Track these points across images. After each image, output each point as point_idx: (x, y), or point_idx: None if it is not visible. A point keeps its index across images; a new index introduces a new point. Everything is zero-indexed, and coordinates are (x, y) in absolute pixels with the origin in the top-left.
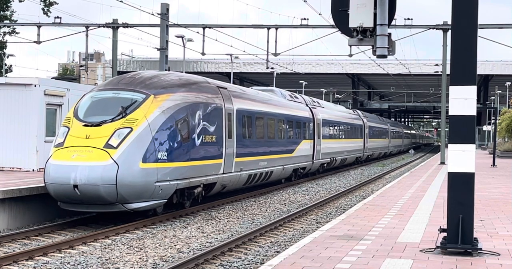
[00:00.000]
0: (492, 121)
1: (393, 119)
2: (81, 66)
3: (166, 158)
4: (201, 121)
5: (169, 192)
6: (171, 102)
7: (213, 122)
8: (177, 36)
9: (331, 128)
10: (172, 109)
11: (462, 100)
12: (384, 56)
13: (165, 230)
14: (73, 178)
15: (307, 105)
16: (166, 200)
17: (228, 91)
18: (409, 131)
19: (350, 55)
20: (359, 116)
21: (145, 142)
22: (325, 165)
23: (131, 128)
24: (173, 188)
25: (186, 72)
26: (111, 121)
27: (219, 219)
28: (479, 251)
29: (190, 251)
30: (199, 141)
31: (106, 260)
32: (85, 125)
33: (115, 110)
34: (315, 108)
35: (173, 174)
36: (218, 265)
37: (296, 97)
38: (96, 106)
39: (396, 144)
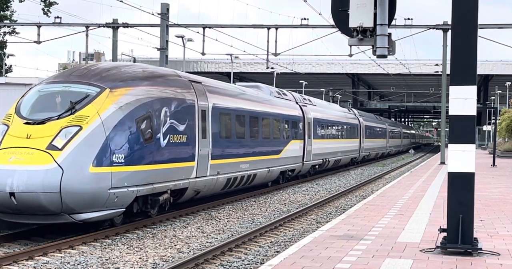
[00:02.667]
0: (492, 121)
1: (392, 119)
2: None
3: (122, 161)
4: (168, 119)
5: (128, 200)
6: (131, 97)
7: (183, 120)
8: (177, 36)
9: (323, 127)
10: (131, 105)
11: (462, 100)
12: (384, 56)
13: (165, 230)
14: (9, 184)
15: (297, 102)
16: (124, 209)
17: (202, 86)
18: (408, 131)
19: (350, 55)
20: (355, 115)
21: (97, 143)
22: (317, 166)
23: (80, 126)
24: (132, 195)
25: (186, 72)
26: (57, 119)
27: (219, 219)
28: (479, 251)
29: (190, 251)
30: (165, 141)
31: (106, 260)
32: (26, 123)
33: (64, 105)
34: (306, 106)
35: (132, 179)
36: (218, 265)
37: (285, 94)
38: (42, 101)
39: (395, 144)
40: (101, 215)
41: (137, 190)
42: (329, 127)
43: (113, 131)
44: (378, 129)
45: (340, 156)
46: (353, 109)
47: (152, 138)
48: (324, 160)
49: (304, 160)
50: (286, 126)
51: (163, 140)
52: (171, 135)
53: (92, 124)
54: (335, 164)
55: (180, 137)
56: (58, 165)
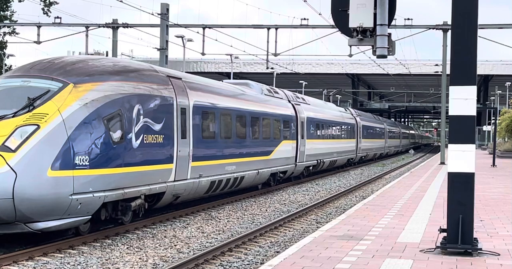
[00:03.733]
0: (492, 121)
1: (392, 119)
2: None
3: (87, 163)
4: (142, 117)
5: (94, 207)
6: (98, 93)
7: (159, 119)
8: (177, 36)
9: (318, 127)
10: (98, 102)
11: (462, 100)
12: (384, 56)
13: (165, 230)
14: None
15: (289, 101)
16: (89, 217)
17: (182, 82)
18: (407, 131)
19: (350, 55)
20: (352, 114)
21: (57, 144)
22: (311, 168)
23: (37, 125)
24: (98, 202)
25: (186, 72)
26: (13, 117)
27: (219, 219)
28: (479, 251)
29: (190, 251)
30: (138, 142)
31: (106, 260)
32: None
33: (21, 102)
34: (299, 104)
35: (98, 183)
36: (218, 265)
37: (276, 92)
38: None
39: (394, 144)
40: (62, 223)
41: (104, 196)
42: (324, 127)
43: (76, 130)
44: (376, 129)
45: (336, 157)
46: (350, 108)
47: (123, 138)
48: (319, 161)
49: (297, 161)
50: (277, 125)
51: (136, 140)
52: (145, 135)
53: (51, 123)
54: (330, 165)
55: (156, 137)
56: (11, 168)
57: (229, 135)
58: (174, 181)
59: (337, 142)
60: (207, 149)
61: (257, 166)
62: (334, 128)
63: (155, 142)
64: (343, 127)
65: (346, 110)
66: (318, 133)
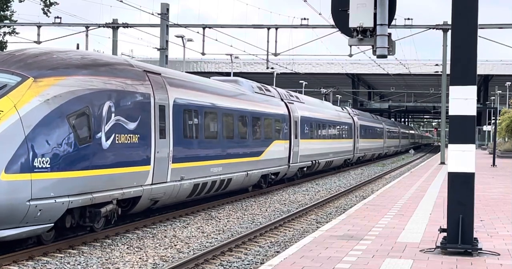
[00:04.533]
0: (492, 121)
1: (393, 119)
2: None
3: (48, 166)
4: (113, 115)
5: (56, 213)
6: (62, 88)
7: (134, 117)
8: (177, 36)
9: (312, 126)
10: (62, 98)
11: (462, 100)
12: (384, 56)
13: (165, 230)
14: None
15: (282, 99)
16: (52, 224)
17: (162, 78)
18: (407, 131)
19: (350, 55)
20: (349, 114)
21: (12, 144)
22: (305, 169)
23: None
24: (62, 208)
25: (186, 72)
26: None
27: (219, 219)
28: (479, 251)
29: (190, 251)
30: (109, 142)
31: (106, 260)
32: None
33: None
34: (292, 103)
35: (61, 188)
36: (218, 265)
37: (268, 90)
38: None
39: (392, 144)
40: (20, 232)
41: (69, 201)
42: (320, 126)
43: (35, 129)
44: (374, 129)
45: (332, 158)
46: (347, 107)
47: (91, 138)
48: (314, 162)
49: (291, 162)
50: (269, 124)
51: (106, 140)
52: (117, 135)
53: (6, 121)
54: (326, 166)
55: (130, 137)
56: None
57: (214, 135)
58: (152, 184)
59: (333, 142)
60: (190, 149)
61: (246, 168)
62: (330, 127)
63: (129, 142)
64: (339, 126)
65: (343, 109)
66: (313, 133)
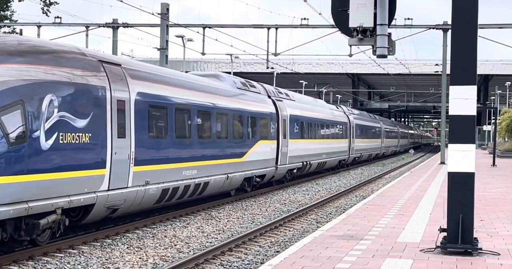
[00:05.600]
0: (492, 121)
1: (392, 119)
2: None
3: None
4: (56, 110)
5: None
6: None
7: (83, 113)
8: (177, 36)
9: (303, 125)
10: None
11: (462, 100)
12: (384, 56)
13: (165, 230)
14: None
15: (269, 96)
16: None
17: (122, 69)
18: (406, 130)
19: (350, 55)
20: (344, 112)
21: None
22: (295, 171)
23: None
24: None
25: (186, 72)
26: None
27: (219, 219)
28: (479, 251)
29: (190, 251)
30: (51, 142)
31: (106, 260)
32: None
33: None
34: (281, 100)
35: None
36: (218, 265)
37: (253, 86)
38: None
39: (391, 144)
40: None
41: None
42: (311, 126)
43: None
44: (371, 128)
45: (325, 158)
46: (342, 106)
47: (25, 137)
48: (305, 163)
49: (279, 163)
50: (253, 123)
51: (46, 140)
52: (61, 134)
53: None
54: (319, 168)
55: (79, 136)
56: None
57: (187, 134)
58: (108, 190)
59: (327, 142)
60: (157, 150)
61: (226, 170)
62: (323, 127)
63: (77, 142)
64: (333, 126)
65: (337, 108)
66: (304, 132)
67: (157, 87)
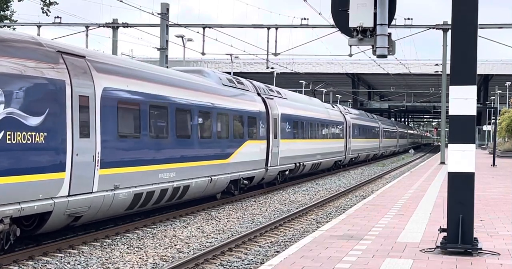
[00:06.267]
0: (492, 121)
1: (392, 119)
2: None
3: None
4: (3, 106)
5: None
6: None
7: (37, 110)
8: (177, 36)
9: (296, 125)
10: None
11: (462, 100)
12: (384, 56)
13: (165, 230)
14: None
15: (259, 94)
16: None
17: (86, 62)
18: (405, 130)
19: (350, 55)
20: (340, 112)
21: None
22: (287, 172)
23: None
24: None
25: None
26: None
27: (219, 219)
28: (479, 251)
29: (190, 251)
30: None
31: (106, 260)
32: None
33: None
34: (272, 99)
35: None
36: (218, 265)
37: (241, 83)
38: None
39: (389, 144)
40: None
41: None
42: (305, 125)
43: None
44: (369, 128)
45: (320, 159)
46: (338, 105)
47: None
48: (298, 164)
49: (269, 165)
50: (240, 122)
51: None
52: (8, 133)
53: None
54: (313, 169)
55: (31, 136)
56: None
57: (164, 134)
58: (69, 195)
59: (321, 142)
60: (128, 151)
61: (209, 172)
62: (317, 126)
63: (29, 142)
64: (329, 125)
65: (333, 107)
66: (297, 132)
67: (129, 82)
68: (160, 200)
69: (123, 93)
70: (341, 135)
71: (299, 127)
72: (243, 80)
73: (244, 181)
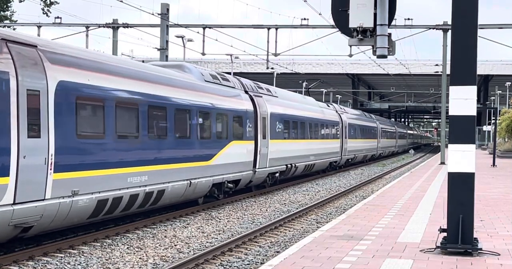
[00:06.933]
0: (492, 121)
1: (393, 119)
2: None
3: None
4: None
5: None
6: None
7: None
8: (177, 36)
9: (288, 124)
10: None
11: (462, 100)
12: (384, 56)
13: (165, 230)
14: None
15: (246, 91)
16: None
17: (38, 52)
18: (404, 130)
19: (350, 55)
20: (336, 111)
21: None
22: (277, 174)
23: None
24: None
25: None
26: None
27: (219, 219)
28: (479, 251)
29: (190, 251)
30: None
31: (106, 260)
32: None
33: None
34: (260, 96)
35: None
36: (218, 265)
37: (226, 80)
38: None
39: (388, 145)
40: None
41: None
42: (297, 125)
43: None
44: (366, 128)
45: (313, 160)
46: (334, 104)
47: None
48: (289, 165)
49: (257, 166)
50: (224, 121)
51: None
52: None
53: None
54: (306, 170)
55: None
56: None
57: (134, 133)
58: (14, 203)
59: (315, 142)
60: (89, 153)
61: (188, 175)
62: (311, 126)
63: None
64: (323, 125)
65: (328, 106)
66: (288, 132)
67: (91, 76)
68: (130, 206)
69: (83, 87)
70: (336, 135)
71: (291, 126)
72: (229, 76)
73: (229, 184)
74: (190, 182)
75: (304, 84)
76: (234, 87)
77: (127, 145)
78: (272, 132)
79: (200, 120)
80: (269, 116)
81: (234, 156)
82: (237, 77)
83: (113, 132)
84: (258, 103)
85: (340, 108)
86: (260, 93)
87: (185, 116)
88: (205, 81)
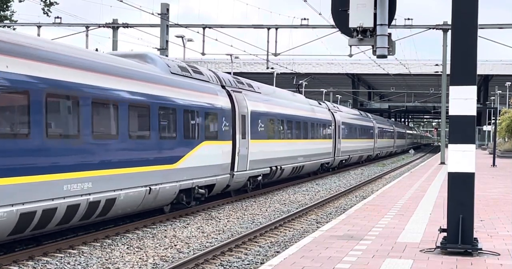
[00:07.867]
0: (492, 121)
1: (393, 119)
2: None
3: None
4: None
5: None
6: None
7: None
8: (177, 36)
9: (272, 123)
10: None
11: (462, 100)
12: (384, 56)
13: (165, 230)
14: None
15: (223, 86)
16: None
17: None
18: (403, 130)
19: (350, 55)
20: (328, 109)
21: None
22: (260, 177)
23: None
24: None
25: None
26: None
27: (219, 219)
28: (479, 251)
29: (190, 251)
30: None
31: (106, 260)
32: None
33: None
34: (240, 92)
35: None
36: (218, 265)
37: (198, 73)
38: None
39: (385, 145)
40: None
41: None
42: (283, 123)
43: None
44: (362, 127)
45: (302, 162)
46: (326, 102)
47: None
48: (274, 168)
49: (236, 169)
50: (193, 119)
51: None
52: None
53: None
54: (295, 173)
55: None
56: None
57: (72, 132)
58: None
59: (304, 143)
60: (6, 156)
61: (148, 181)
62: (299, 125)
63: None
64: (314, 124)
65: (320, 104)
66: (273, 132)
67: (11, 62)
68: (69, 219)
69: (1, 76)
70: (328, 135)
71: (276, 125)
72: (203, 69)
73: (200, 190)
74: (150, 188)
75: (294, 80)
76: (208, 81)
77: (63, 146)
78: (253, 132)
79: (163, 117)
80: (250, 114)
81: (206, 158)
82: (214, 70)
83: (42, 131)
84: (237, 99)
85: (333, 106)
86: (239, 88)
87: (142, 113)
88: (172, 73)
